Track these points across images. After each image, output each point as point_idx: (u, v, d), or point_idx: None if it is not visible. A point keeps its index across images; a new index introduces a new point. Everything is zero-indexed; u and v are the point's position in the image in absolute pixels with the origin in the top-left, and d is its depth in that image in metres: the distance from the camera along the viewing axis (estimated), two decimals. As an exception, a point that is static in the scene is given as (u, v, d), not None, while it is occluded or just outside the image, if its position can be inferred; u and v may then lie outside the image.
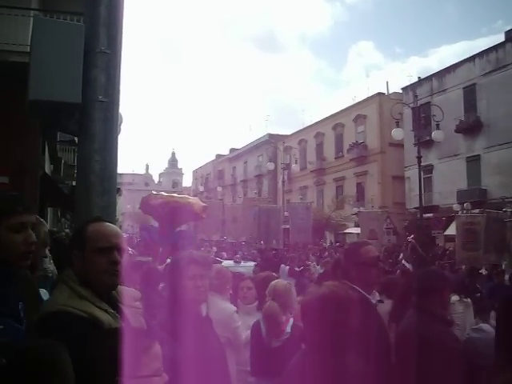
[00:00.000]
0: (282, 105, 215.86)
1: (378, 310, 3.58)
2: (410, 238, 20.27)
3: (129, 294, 2.41)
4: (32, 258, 2.77)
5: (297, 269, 13.24)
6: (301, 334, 2.75)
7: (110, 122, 3.47)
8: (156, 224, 12.82)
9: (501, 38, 33.96)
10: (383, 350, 3.32)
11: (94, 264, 2.15)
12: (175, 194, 12.99)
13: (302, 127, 54.48)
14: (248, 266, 12.33)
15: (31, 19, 9.28)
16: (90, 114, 3.39)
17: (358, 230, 36.78)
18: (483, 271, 12.73)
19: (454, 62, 36.20)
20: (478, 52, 34.03)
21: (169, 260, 5.49)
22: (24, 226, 2.06)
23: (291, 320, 4.22)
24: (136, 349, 1.71)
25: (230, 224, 21.54)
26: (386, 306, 4.25)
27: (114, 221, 2.92)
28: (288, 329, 4.15)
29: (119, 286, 2.28)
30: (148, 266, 5.95)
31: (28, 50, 3.72)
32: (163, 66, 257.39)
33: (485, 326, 4.60)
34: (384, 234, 17.64)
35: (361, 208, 41.17)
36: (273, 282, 4.64)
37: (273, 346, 4.10)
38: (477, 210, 22.10)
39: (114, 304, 2.20)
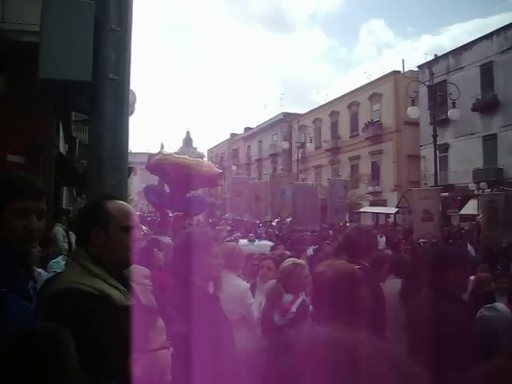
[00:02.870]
0: (295, 84, 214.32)
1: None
2: (478, 218, 19.67)
3: (138, 271, 2.42)
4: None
5: (312, 247, 13.22)
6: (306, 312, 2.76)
7: (121, 100, 3.46)
8: (164, 187, 12.32)
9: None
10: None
11: (118, 242, 2.18)
12: (187, 157, 12.18)
13: (316, 106, 54.08)
14: (262, 245, 12.16)
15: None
16: (100, 92, 3.39)
17: (372, 209, 36.91)
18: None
19: (471, 40, 35.55)
20: (495, 29, 33.34)
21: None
22: (27, 212, 2.02)
23: (299, 300, 4.22)
24: (145, 324, 1.72)
25: (253, 203, 20.80)
26: (395, 284, 4.25)
27: (125, 199, 2.92)
28: (293, 308, 4.15)
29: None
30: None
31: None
32: (176, 47, 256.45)
33: (499, 305, 4.53)
34: (440, 214, 15.35)
35: (376, 187, 41.15)
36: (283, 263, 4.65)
37: (277, 324, 4.12)
38: (492, 190, 21.81)
39: (125, 282, 2.21)
